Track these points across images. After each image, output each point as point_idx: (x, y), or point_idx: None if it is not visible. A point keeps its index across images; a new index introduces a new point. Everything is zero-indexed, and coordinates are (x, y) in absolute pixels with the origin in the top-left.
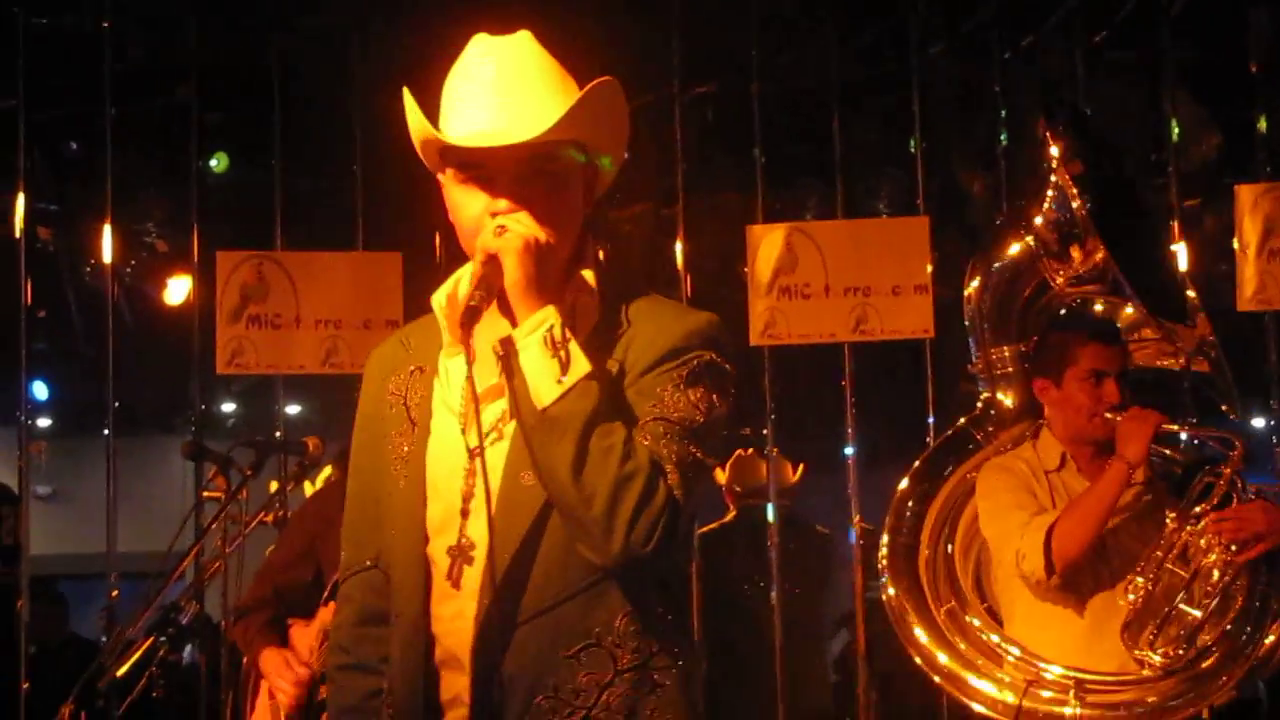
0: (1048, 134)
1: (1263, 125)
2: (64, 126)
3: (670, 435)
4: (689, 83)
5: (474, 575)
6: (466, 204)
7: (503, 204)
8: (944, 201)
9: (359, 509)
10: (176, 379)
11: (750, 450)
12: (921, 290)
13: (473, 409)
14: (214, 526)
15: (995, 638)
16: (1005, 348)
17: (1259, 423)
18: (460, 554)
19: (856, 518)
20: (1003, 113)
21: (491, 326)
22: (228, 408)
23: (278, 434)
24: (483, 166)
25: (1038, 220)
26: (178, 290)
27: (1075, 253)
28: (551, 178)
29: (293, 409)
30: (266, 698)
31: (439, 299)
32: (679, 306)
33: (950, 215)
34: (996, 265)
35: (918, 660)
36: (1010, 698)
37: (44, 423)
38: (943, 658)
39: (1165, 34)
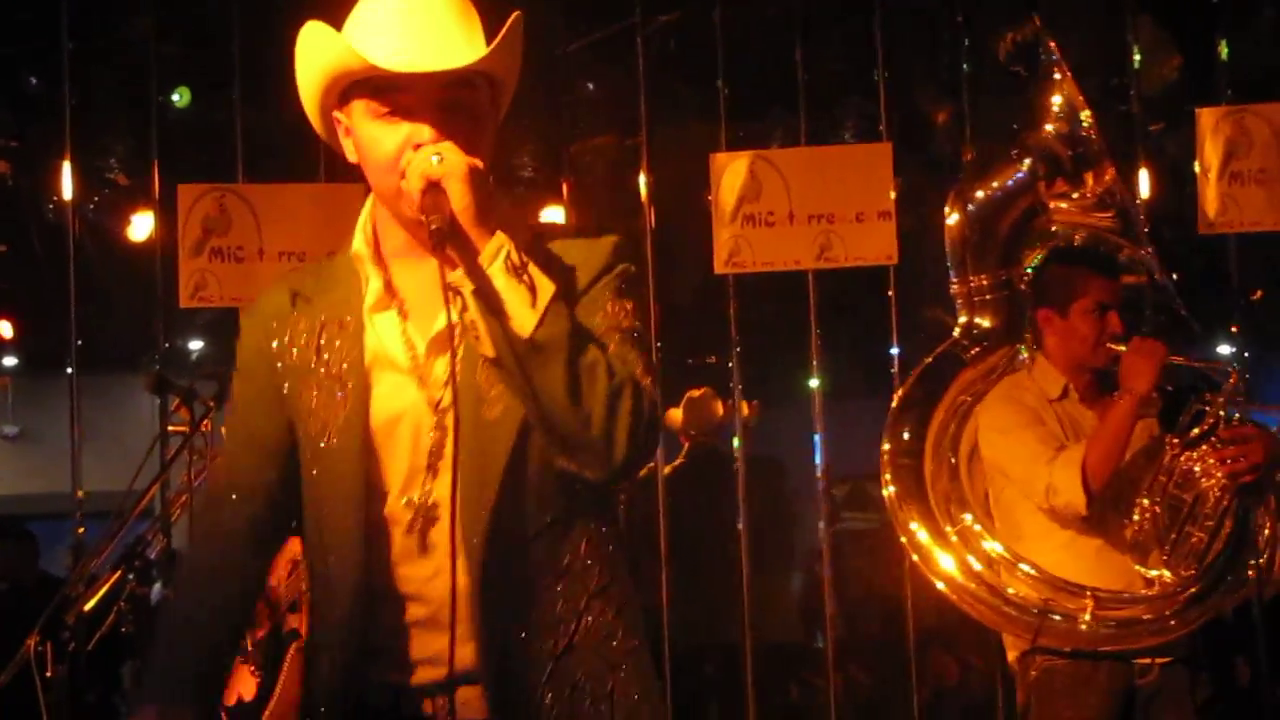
0: (1052, 42)
1: (1224, 50)
2: (22, 62)
3: (628, 344)
4: (651, 12)
5: (442, 531)
6: (383, 138)
7: (427, 133)
8: (908, 130)
9: (240, 451)
10: (141, 315)
11: (702, 390)
12: (885, 216)
13: (448, 355)
14: (178, 459)
15: (1007, 554)
16: (984, 275)
17: (1224, 349)
18: (426, 513)
19: (821, 448)
20: (965, 40)
21: (411, 272)
22: (194, 344)
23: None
24: (405, 95)
25: (1036, 142)
26: (141, 226)
27: (1065, 180)
28: (471, 110)
29: None
30: None
31: (361, 246)
32: (581, 237)
33: (914, 143)
34: (984, 192)
35: (938, 584)
36: (1026, 616)
37: (9, 361)
38: (947, 561)
39: None
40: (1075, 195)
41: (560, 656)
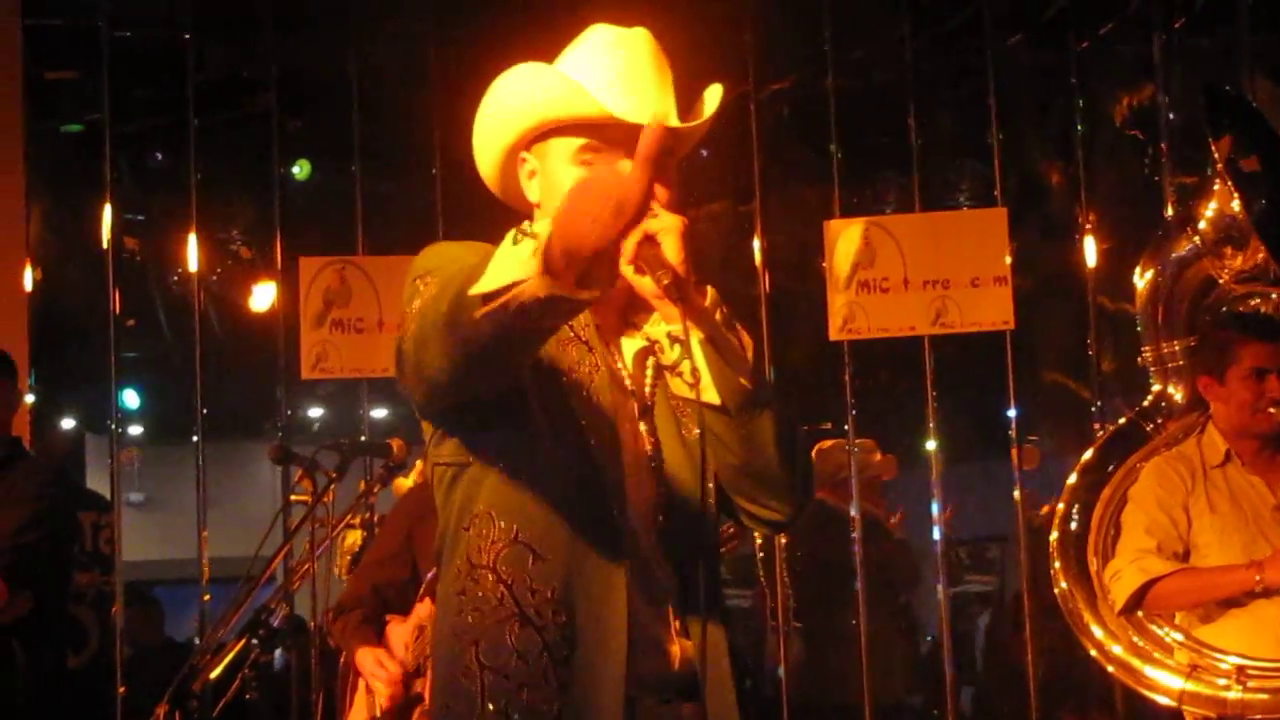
0: (1210, 135)
1: None
2: (149, 138)
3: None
4: (765, 79)
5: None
6: None
7: None
8: (1023, 192)
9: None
10: (263, 385)
11: (833, 442)
12: (1001, 282)
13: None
14: (301, 529)
15: (1161, 628)
16: (1176, 341)
17: None
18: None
19: (940, 511)
20: (1080, 102)
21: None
22: (314, 412)
23: (362, 437)
24: (618, 145)
25: (1202, 221)
26: (263, 297)
27: (1234, 253)
28: (672, 169)
29: (378, 412)
30: (364, 694)
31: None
32: None
33: (1029, 206)
34: (1165, 262)
35: (1090, 650)
36: (1176, 681)
37: (135, 430)
38: (1117, 649)
39: (1244, 19)
40: (1243, 267)
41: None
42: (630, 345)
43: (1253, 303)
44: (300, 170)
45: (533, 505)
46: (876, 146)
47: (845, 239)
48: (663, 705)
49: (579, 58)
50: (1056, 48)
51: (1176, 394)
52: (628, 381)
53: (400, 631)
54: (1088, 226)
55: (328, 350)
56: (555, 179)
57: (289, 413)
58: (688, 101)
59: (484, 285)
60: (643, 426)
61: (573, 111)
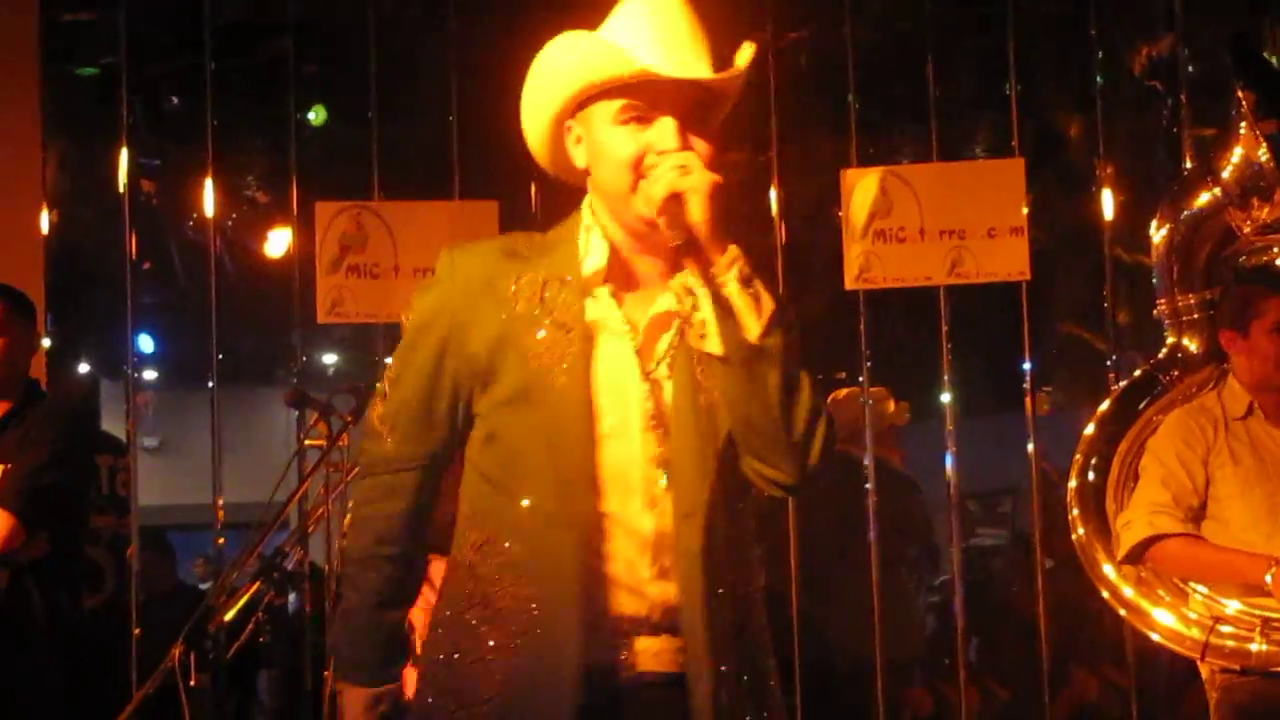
0: (1238, 84)
1: None
2: (165, 82)
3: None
4: (782, 29)
5: (661, 491)
6: (627, 140)
7: (672, 139)
8: (1040, 143)
9: (418, 406)
10: (278, 330)
11: (847, 391)
12: (1017, 232)
13: (657, 337)
14: (316, 473)
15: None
16: (1191, 295)
17: None
18: (663, 466)
19: (952, 464)
20: (1099, 53)
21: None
22: (329, 358)
23: (378, 382)
24: (656, 101)
25: (1225, 171)
26: (278, 242)
27: (1260, 204)
28: (710, 124)
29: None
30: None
31: (590, 219)
32: None
33: (1046, 157)
34: (1183, 214)
35: (1105, 595)
36: (1196, 633)
37: (150, 375)
38: (1128, 591)
39: None
40: (1260, 217)
41: (741, 632)
42: (659, 303)
43: (1274, 254)
44: (316, 116)
45: (498, 495)
46: (894, 96)
47: (861, 188)
48: (626, 638)
49: (616, 25)
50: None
51: (1192, 346)
52: (632, 344)
53: (441, 569)
54: (1105, 178)
55: (343, 295)
56: (600, 142)
57: (304, 358)
58: (721, 59)
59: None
60: (645, 387)
61: (611, 73)
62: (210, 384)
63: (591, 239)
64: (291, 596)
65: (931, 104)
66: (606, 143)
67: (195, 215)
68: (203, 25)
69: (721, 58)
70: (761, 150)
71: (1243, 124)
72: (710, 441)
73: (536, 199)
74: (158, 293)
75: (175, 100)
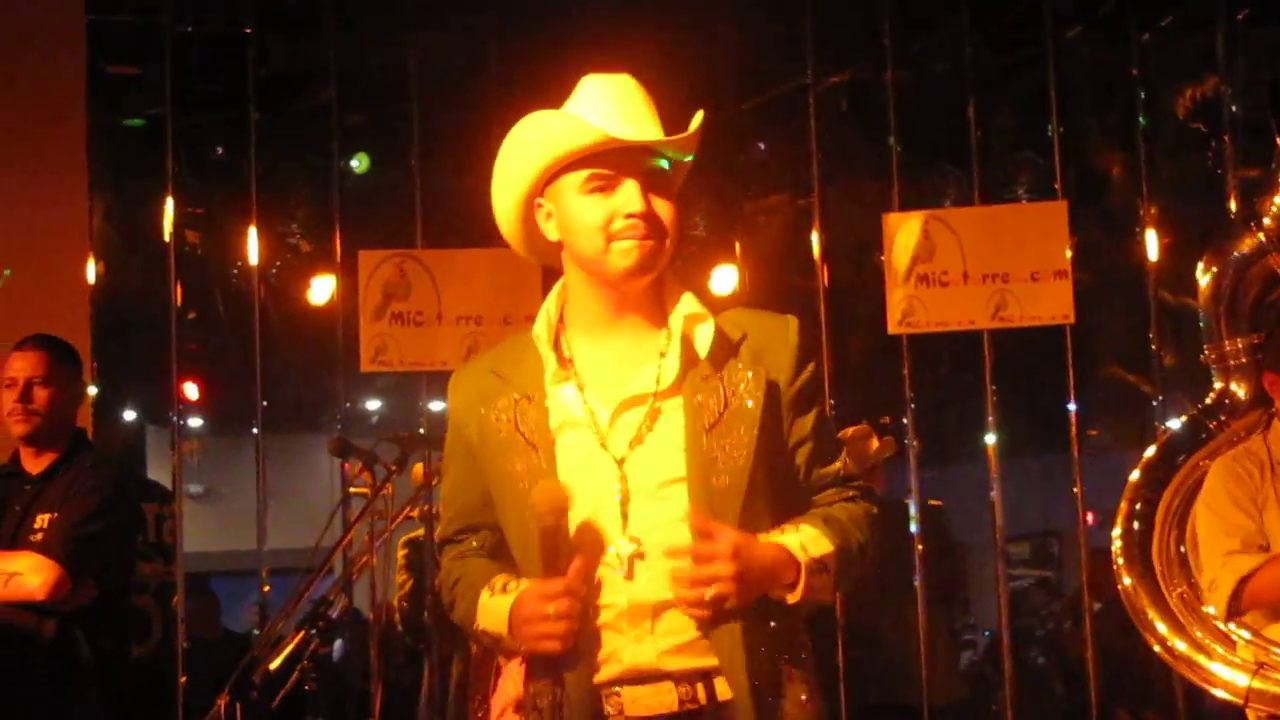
0: (1278, 131)
1: None
2: (210, 132)
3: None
4: (823, 73)
5: (645, 566)
6: (592, 210)
7: (636, 201)
8: (1083, 185)
9: (462, 502)
10: (322, 377)
11: (855, 428)
12: (1061, 275)
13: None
14: (360, 521)
15: (1227, 625)
16: (1239, 339)
17: None
18: (634, 551)
19: (996, 507)
20: (1141, 94)
21: (599, 343)
22: (372, 405)
23: (421, 430)
24: (617, 169)
25: (1267, 217)
26: (321, 290)
27: None
28: (671, 188)
29: (436, 405)
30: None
31: (541, 330)
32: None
33: (1089, 199)
34: (1230, 258)
35: (1154, 646)
36: (1241, 679)
37: (195, 422)
38: (1180, 644)
39: None
40: None
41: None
42: (627, 387)
43: None
44: (360, 164)
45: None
46: (935, 140)
47: (904, 232)
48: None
49: (575, 103)
50: (1117, 40)
51: (1239, 391)
52: (596, 436)
53: None
54: (1149, 220)
55: (387, 343)
56: (571, 213)
57: (348, 405)
58: (677, 126)
59: (480, 620)
60: (616, 472)
61: (576, 143)
62: (255, 430)
63: (543, 347)
64: (336, 644)
65: (974, 147)
66: (577, 211)
67: (239, 263)
68: (247, 76)
69: (678, 125)
70: (803, 194)
71: None
72: (722, 500)
73: None
74: (202, 340)
75: (220, 150)
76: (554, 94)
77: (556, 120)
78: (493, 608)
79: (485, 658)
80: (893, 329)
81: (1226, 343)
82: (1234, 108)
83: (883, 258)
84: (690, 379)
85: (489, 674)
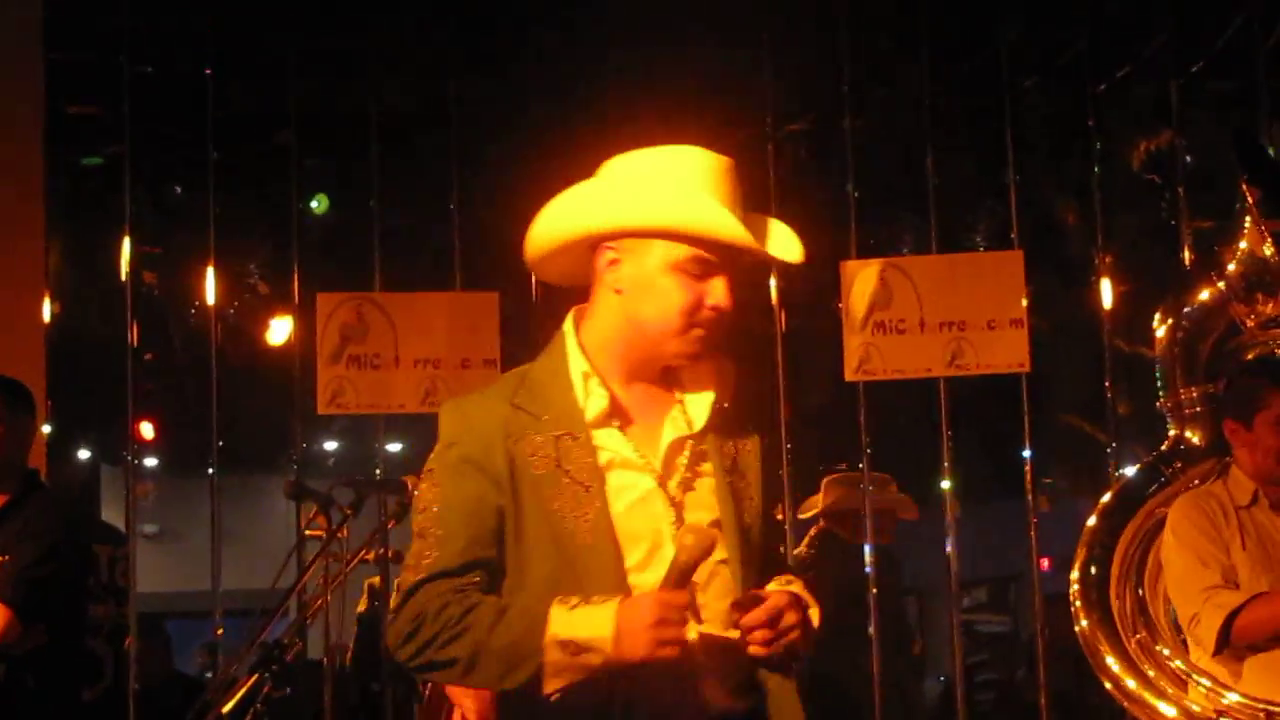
0: (1243, 180)
1: None
2: (169, 171)
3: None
4: (782, 120)
5: (707, 600)
6: (682, 288)
7: (724, 297)
8: (1039, 234)
9: (472, 535)
10: (279, 419)
11: (840, 473)
12: (1017, 324)
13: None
14: (316, 565)
15: (1183, 665)
16: (1194, 388)
17: None
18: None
19: (952, 553)
20: (1097, 145)
21: (633, 391)
22: (329, 446)
23: (377, 473)
24: (719, 265)
25: (1229, 266)
26: (279, 331)
27: (1265, 299)
28: (739, 275)
29: (393, 447)
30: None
31: (582, 372)
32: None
33: (1046, 248)
34: (1186, 308)
35: (1108, 686)
36: None
37: (151, 462)
38: (1132, 683)
39: (1261, 65)
40: (1265, 312)
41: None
42: (667, 431)
43: (1276, 349)
44: (319, 205)
45: None
46: (893, 187)
47: (861, 279)
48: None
49: (675, 169)
50: (1074, 90)
51: (1195, 439)
52: (652, 478)
53: None
54: (1104, 269)
55: (344, 386)
56: (654, 283)
57: (304, 446)
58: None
59: (564, 630)
60: (671, 514)
61: (714, 231)
62: (210, 470)
63: (592, 385)
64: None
65: (931, 195)
66: (663, 284)
67: (197, 304)
68: (206, 116)
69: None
70: None
71: (1247, 219)
72: (757, 555)
73: (537, 290)
74: (158, 381)
75: (178, 190)
76: (516, 139)
77: (697, 200)
78: (586, 616)
79: (436, 700)
80: (850, 376)
81: (1183, 391)
82: (1187, 159)
83: (840, 305)
84: (712, 422)
85: (439, 713)
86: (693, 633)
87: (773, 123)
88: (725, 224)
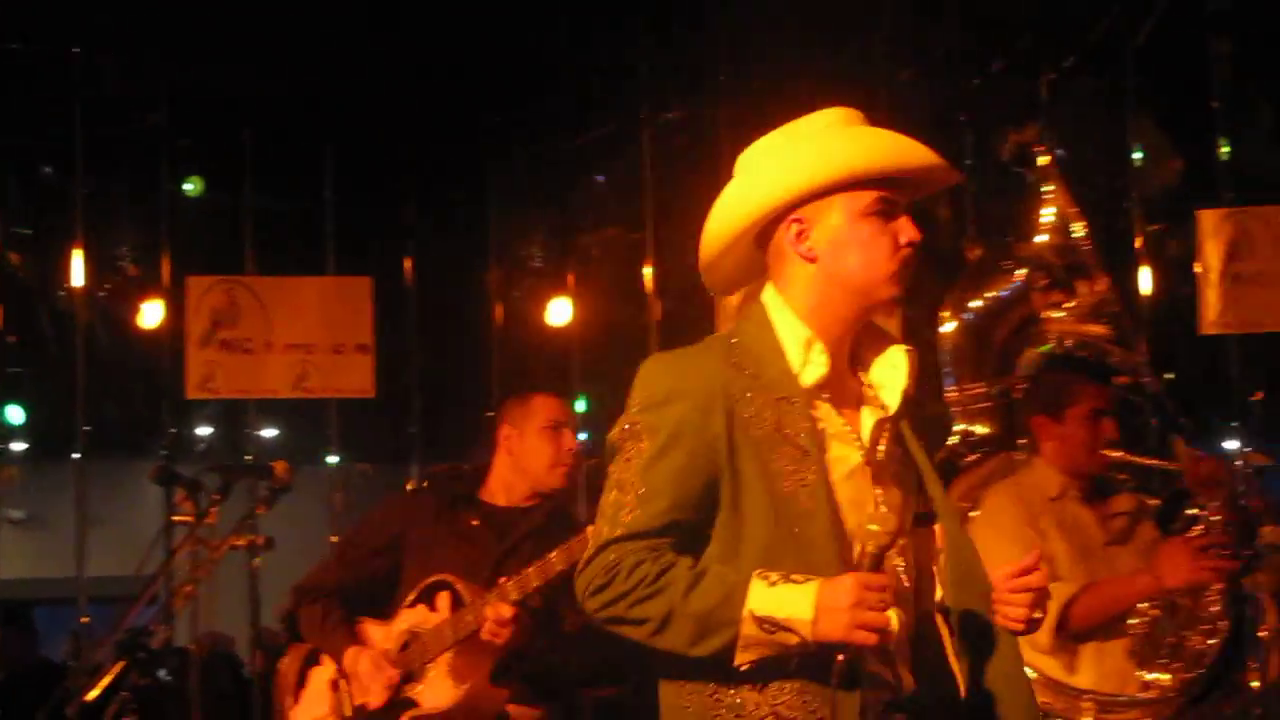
0: (1048, 169)
1: (1224, 151)
2: (38, 152)
3: None
4: (657, 109)
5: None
6: (878, 235)
7: (916, 234)
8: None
9: (681, 494)
10: (150, 403)
11: None
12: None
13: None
14: (183, 550)
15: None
16: (981, 384)
17: (1230, 445)
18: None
19: None
20: (971, 137)
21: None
22: (203, 431)
23: (248, 458)
24: (897, 194)
25: (1030, 258)
26: (151, 314)
27: (1061, 295)
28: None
29: (269, 432)
30: (326, 690)
31: (801, 339)
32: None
33: (924, 239)
34: (977, 302)
35: None
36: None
37: (18, 446)
38: None
39: (1129, 62)
40: (1070, 304)
41: None
42: (869, 412)
43: (1066, 343)
44: (194, 187)
45: None
46: None
47: None
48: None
49: (834, 124)
50: (948, 84)
51: (981, 430)
52: (861, 454)
53: (386, 636)
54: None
55: (214, 370)
56: (852, 234)
57: (175, 431)
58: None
59: (762, 607)
60: (877, 492)
61: (910, 161)
62: (76, 455)
63: (813, 353)
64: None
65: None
66: (860, 233)
67: (65, 286)
68: (74, 96)
69: None
70: (637, 227)
71: (1048, 210)
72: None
73: (412, 275)
74: (27, 364)
75: (48, 170)
76: (388, 126)
77: (869, 138)
78: (787, 594)
79: (294, 669)
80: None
81: (972, 385)
82: (1058, 152)
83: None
84: (903, 409)
85: (293, 685)
86: (894, 618)
87: (648, 112)
88: (909, 148)
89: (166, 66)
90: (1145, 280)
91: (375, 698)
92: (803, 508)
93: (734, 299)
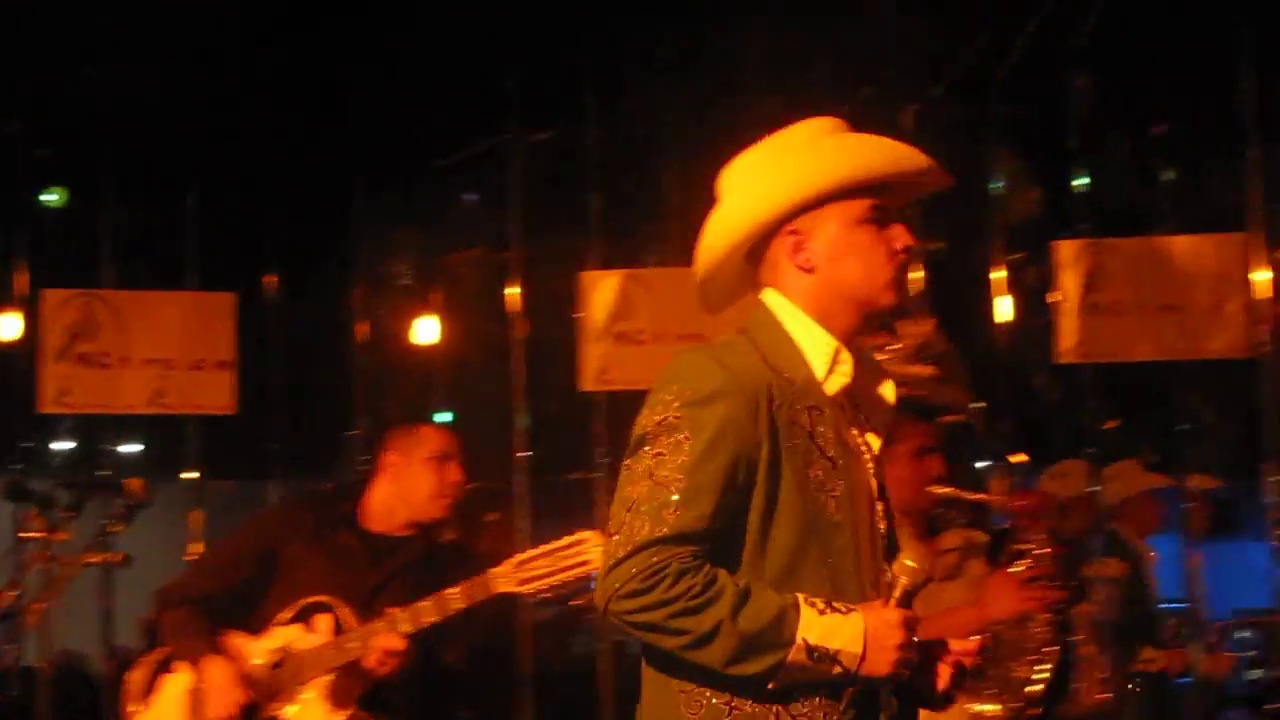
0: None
1: (1082, 184)
2: None
3: None
4: (527, 127)
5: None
6: (875, 241)
7: (912, 240)
8: None
9: (720, 501)
10: (3, 416)
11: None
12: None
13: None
14: (33, 568)
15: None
16: None
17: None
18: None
19: None
20: None
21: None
22: (61, 445)
23: (106, 473)
24: (891, 200)
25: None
26: (7, 328)
27: (888, 336)
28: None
29: (131, 448)
30: (181, 698)
31: (825, 347)
32: None
33: None
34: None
35: None
36: None
37: None
38: None
39: (993, 94)
40: (894, 346)
41: None
42: (870, 424)
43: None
44: (57, 198)
45: None
46: (638, 199)
47: (601, 289)
48: None
49: (822, 132)
50: (815, 111)
51: None
52: (870, 468)
53: (253, 649)
54: None
55: (70, 384)
56: (848, 242)
57: (31, 445)
58: None
59: (815, 636)
60: (880, 506)
61: (906, 165)
62: None
63: (840, 361)
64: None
65: (669, 207)
66: (857, 241)
67: None
68: None
69: None
70: (504, 247)
71: None
72: None
73: (278, 292)
74: None
75: None
76: (256, 136)
77: (864, 143)
78: (834, 625)
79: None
80: (587, 385)
81: None
82: None
83: (579, 314)
84: (886, 424)
85: (142, 692)
86: None
87: (517, 131)
88: (902, 152)
89: (24, 74)
90: (1005, 308)
91: (221, 714)
92: (831, 519)
93: (597, 318)
